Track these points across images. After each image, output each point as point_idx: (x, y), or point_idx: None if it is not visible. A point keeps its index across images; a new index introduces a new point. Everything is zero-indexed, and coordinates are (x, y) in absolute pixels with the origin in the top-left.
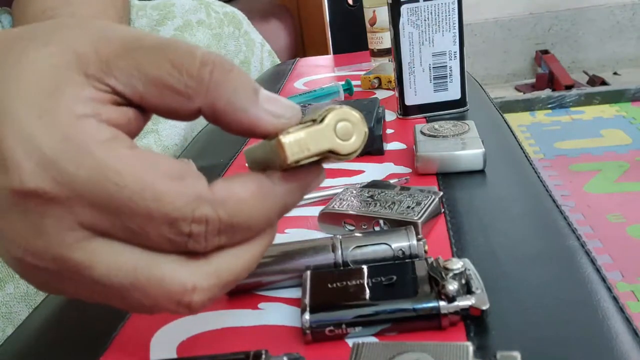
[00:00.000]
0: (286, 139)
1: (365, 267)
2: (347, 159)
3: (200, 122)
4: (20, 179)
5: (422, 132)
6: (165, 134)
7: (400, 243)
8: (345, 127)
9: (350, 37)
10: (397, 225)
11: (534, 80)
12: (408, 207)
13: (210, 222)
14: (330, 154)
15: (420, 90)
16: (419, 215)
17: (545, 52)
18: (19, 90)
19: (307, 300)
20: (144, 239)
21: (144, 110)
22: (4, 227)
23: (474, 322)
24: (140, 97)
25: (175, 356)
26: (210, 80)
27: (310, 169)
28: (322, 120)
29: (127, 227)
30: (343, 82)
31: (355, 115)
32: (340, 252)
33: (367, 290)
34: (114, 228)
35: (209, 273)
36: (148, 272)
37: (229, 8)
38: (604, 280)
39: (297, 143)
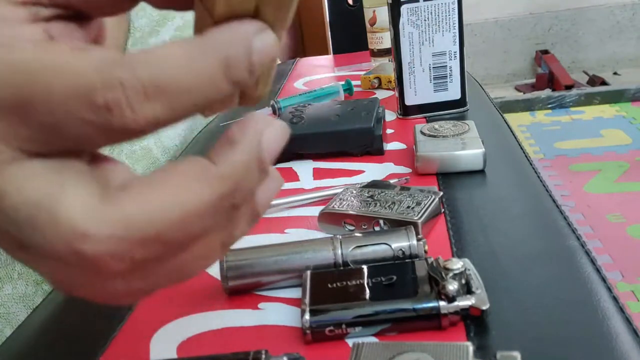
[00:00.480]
0: None
1: (365, 267)
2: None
3: (200, 122)
4: None
5: (422, 132)
6: (165, 135)
7: (400, 243)
8: None
9: (350, 37)
10: (397, 225)
11: (534, 80)
12: (408, 207)
13: (127, 84)
14: None
15: (420, 90)
16: (419, 215)
17: (545, 52)
18: None
19: (307, 300)
20: (65, 133)
21: (81, 16)
22: None
23: (474, 322)
24: None
25: (175, 356)
26: None
27: (247, 19)
28: None
29: (39, 123)
30: (343, 82)
31: None
32: (340, 252)
33: (367, 290)
34: (31, 132)
35: (111, 218)
36: (49, 203)
37: None
38: (604, 280)
39: None
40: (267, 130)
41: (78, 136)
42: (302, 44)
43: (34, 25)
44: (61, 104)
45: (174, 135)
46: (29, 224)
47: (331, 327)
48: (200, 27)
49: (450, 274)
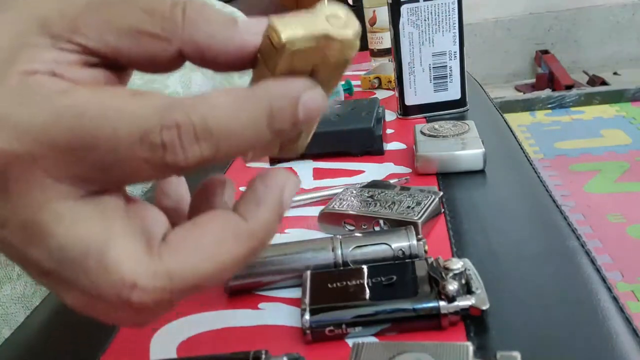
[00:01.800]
0: (276, 22)
1: (365, 267)
2: (348, 51)
3: None
4: None
5: (422, 132)
6: None
7: (400, 243)
8: (336, 17)
9: None
10: (397, 225)
11: (534, 80)
12: (408, 207)
13: (183, 125)
14: (326, 42)
15: (420, 90)
16: (419, 215)
17: (545, 52)
18: None
19: (307, 300)
20: (118, 171)
21: (120, 67)
22: None
23: (474, 322)
24: (115, 51)
25: (175, 356)
26: (185, 18)
27: (298, 77)
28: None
29: (97, 161)
30: (343, 82)
31: (342, 9)
32: (340, 252)
33: (367, 290)
34: (84, 170)
35: (158, 272)
36: (99, 250)
37: (229, 8)
38: (604, 280)
39: (289, 25)
40: (287, 187)
41: (131, 173)
42: None
43: (87, 70)
44: (124, 144)
45: None
46: (77, 267)
47: (331, 327)
48: (257, 81)
49: (450, 274)
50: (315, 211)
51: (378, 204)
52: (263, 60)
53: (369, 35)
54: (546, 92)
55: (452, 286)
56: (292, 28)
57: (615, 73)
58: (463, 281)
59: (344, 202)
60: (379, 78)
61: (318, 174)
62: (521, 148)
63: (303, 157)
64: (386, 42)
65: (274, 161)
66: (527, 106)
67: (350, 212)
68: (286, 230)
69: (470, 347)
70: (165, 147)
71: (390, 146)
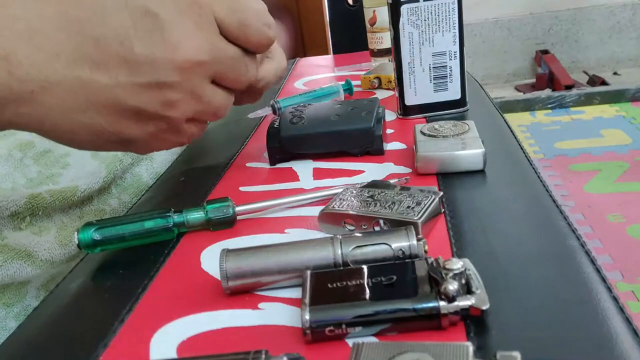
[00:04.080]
0: None
1: (365, 267)
2: None
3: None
4: None
5: (422, 132)
6: (158, 160)
7: (400, 243)
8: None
9: (350, 37)
10: (397, 225)
11: (534, 80)
12: (408, 207)
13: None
14: None
15: (420, 90)
16: (419, 215)
17: (545, 52)
18: None
19: (307, 300)
20: (245, 32)
21: None
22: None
23: (474, 322)
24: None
25: (175, 356)
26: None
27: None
28: None
29: (238, 20)
30: (343, 82)
31: None
32: (340, 252)
33: (367, 290)
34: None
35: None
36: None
37: None
38: (604, 280)
39: None
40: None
41: (249, 38)
42: (302, 44)
43: None
44: (256, 15)
45: (164, 162)
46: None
47: (331, 327)
48: None
49: (450, 274)
50: (315, 211)
51: (378, 204)
52: None
53: (368, 35)
54: (546, 92)
55: (452, 286)
56: None
57: (615, 73)
58: (463, 281)
59: (344, 202)
60: (379, 78)
61: (318, 174)
62: (521, 148)
63: (303, 157)
64: (386, 42)
65: (274, 161)
66: (527, 106)
67: (350, 212)
68: (286, 230)
69: (470, 347)
70: (269, 26)
71: (390, 146)
